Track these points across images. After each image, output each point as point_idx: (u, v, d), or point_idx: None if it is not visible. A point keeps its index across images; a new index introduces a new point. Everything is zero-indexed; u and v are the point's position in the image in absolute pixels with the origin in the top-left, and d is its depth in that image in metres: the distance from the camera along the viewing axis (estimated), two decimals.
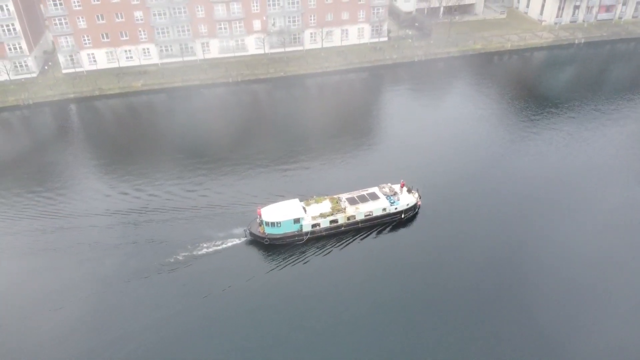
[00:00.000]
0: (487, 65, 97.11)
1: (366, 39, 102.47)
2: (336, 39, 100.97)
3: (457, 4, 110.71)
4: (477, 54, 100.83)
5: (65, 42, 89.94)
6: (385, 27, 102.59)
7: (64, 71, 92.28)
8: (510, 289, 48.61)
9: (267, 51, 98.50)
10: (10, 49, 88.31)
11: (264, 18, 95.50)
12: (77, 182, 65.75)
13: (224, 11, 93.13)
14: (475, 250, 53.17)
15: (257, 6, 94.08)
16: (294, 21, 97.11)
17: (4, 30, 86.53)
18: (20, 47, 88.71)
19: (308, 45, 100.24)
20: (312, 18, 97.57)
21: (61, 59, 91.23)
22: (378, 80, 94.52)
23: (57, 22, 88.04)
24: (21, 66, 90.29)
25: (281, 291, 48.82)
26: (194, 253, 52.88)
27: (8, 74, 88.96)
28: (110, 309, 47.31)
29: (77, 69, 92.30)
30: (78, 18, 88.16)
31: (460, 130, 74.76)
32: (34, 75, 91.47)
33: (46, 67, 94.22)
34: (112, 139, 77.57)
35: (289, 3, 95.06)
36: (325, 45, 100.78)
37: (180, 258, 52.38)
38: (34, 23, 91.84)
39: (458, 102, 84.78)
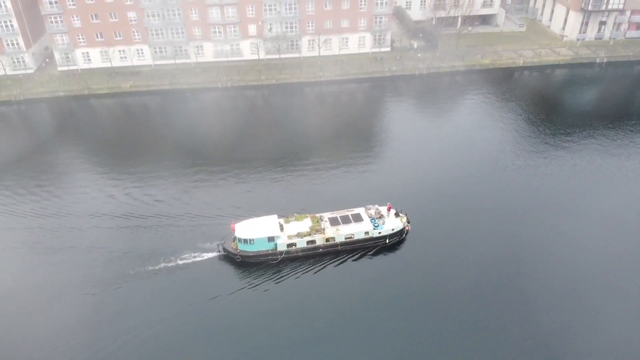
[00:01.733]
0: (493, 83, 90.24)
1: (367, 48, 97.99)
2: (335, 48, 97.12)
3: (466, 14, 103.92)
4: (485, 70, 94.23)
5: (61, 40, 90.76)
6: (388, 37, 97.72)
7: (60, 69, 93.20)
8: (502, 333, 44.20)
9: (263, 57, 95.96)
10: (7, 45, 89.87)
11: (260, 23, 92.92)
12: (47, 181, 65.05)
13: (219, 15, 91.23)
14: (463, 285, 48.40)
15: (252, 11, 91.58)
16: (291, 27, 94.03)
17: (1, 27, 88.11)
18: (18, 44, 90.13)
19: (306, 52, 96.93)
20: (310, 25, 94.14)
21: (57, 56, 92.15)
22: (371, 94, 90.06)
23: (53, 20, 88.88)
24: (19, 62, 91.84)
25: (247, 312, 46.18)
26: (163, 265, 50.95)
27: (5, 70, 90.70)
28: (61, 319, 45.77)
29: (72, 67, 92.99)
30: (73, 17, 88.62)
31: (457, 152, 69.23)
32: (31, 71, 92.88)
33: (44, 64, 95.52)
34: (91, 139, 76.53)
35: (286, 8, 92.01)
36: (324, 53, 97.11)
37: (148, 270, 50.54)
38: (34, 20, 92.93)
39: (455, 122, 78.87)
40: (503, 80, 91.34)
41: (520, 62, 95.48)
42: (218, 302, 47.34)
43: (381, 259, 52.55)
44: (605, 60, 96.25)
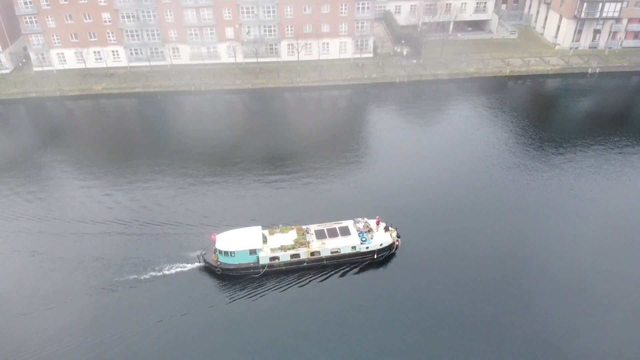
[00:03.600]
0: (476, 93, 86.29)
1: (349, 54, 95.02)
2: (316, 53, 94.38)
3: (454, 20, 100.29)
4: (469, 79, 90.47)
5: (36, 40, 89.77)
6: (370, 43, 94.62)
7: (35, 69, 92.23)
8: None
9: (241, 60, 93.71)
10: None
11: (237, 26, 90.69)
12: (24, 185, 63.59)
13: (194, 17, 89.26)
14: (454, 306, 45.67)
15: (229, 13, 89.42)
16: (269, 31, 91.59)
17: None
18: None
19: (285, 57, 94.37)
20: (289, 29, 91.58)
21: (32, 57, 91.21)
22: (349, 101, 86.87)
23: (28, 20, 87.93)
24: None
25: (224, 328, 44.07)
26: (141, 275, 49.05)
27: None
28: (28, 331, 43.95)
29: (48, 68, 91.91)
30: (47, 17, 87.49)
31: (446, 163, 66.26)
32: (7, 71, 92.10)
33: (20, 64, 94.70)
34: (63, 142, 74.33)
35: (264, 11, 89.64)
36: (305, 58, 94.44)
37: (124, 280, 48.64)
38: (11, 20, 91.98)
39: (435, 133, 75.49)
40: (487, 90, 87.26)
41: (507, 71, 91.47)
42: (194, 316, 45.21)
43: (368, 275, 49.88)
44: (597, 70, 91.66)
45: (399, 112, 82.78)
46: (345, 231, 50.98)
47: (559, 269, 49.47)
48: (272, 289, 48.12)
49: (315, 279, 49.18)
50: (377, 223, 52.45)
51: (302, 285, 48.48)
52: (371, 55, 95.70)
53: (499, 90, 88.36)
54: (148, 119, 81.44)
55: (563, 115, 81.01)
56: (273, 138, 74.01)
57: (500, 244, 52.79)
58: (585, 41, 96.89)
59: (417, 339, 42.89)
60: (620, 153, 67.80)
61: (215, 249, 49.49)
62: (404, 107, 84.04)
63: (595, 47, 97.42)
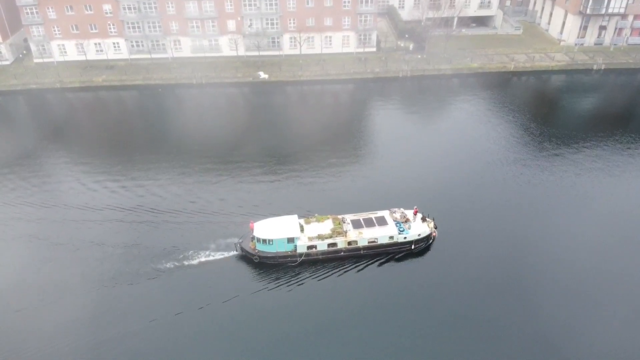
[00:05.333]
0: (480, 88, 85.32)
1: (352, 48, 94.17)
2: (318, 46, 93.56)
3: (458, 15, 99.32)
4: (473, 74, 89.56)
5: (37, 31, 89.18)
6: (373, 37, 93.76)
7: (36, 60, 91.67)
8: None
9: (243, 53, 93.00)
10: None
11: (239, 18, 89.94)
12: (42, 175, 63.43)
13: (196, 9, 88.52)
14: (489, 300, 45.25)
15: (231, 6, 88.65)
16: (271, 24, 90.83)
17: None
18: None
19: (287, 50, 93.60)
20: (292, 22, 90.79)
21: (33, 48, 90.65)
22: (351, 95, 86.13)
23: (28, 11, 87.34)
24: None
25: (264, 315, 43.67)
26: (177, 263, 48.56)
27: None
28: (68, 316, 43.51)
29: (48, 59, 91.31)
30: (48, 8, 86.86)
31: (474, 158, 65.76)
32: (8, 63, 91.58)
33: (21, 56, 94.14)
34: (61, 134, 73.75)
35: (266, 4, 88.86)
36: (307, 51, 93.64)
37: (160, 267, 48.16)
38: (11, 11, 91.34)
39: (441, 129, 74.44)
40: (491, 86, 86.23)
41: (511, 66, 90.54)
42: (235, 303, 44.85)
43: (405, 265, 49.34)
44: (603, 67, 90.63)
45: (401, 107, 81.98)
46: (382, 221, 50.36)
47: (559, 268, 48.52)
48: (310, 278, 47.66)
49: (351, 269, 48.61)
50: (415, 213, 51.58)
51: (339, 275, 47.93)
52: (374, 49, 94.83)
53: (503, 85, 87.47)
54: (148, 112, 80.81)
55: (567, 111, 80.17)
56: (276, 133, 73.23)
57: (501, 242, 51.88)
58: (590, 37, 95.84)
59: (458, 335, 42.56)
60: (623, 151, 66.93)
61: (253, 237, 48.97)
62: (406, 102, 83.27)
63: (601, 44, 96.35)
